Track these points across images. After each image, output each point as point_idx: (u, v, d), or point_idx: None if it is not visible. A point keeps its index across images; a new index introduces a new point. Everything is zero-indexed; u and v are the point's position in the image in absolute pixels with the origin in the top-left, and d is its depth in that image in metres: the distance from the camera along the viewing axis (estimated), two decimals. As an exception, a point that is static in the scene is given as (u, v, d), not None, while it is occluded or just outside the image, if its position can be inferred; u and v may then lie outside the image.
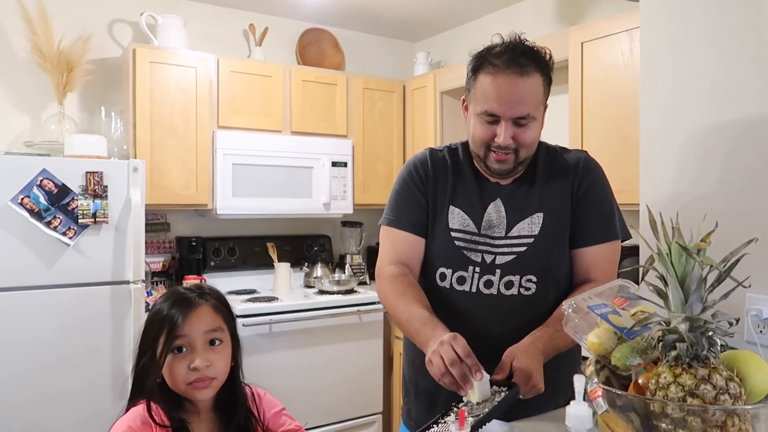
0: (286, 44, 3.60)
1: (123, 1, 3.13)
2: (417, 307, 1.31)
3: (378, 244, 1.60)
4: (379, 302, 3.06)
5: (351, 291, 3.22)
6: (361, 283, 3.43)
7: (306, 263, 3.46)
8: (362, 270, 3.53)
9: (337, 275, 3.40)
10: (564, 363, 1.39)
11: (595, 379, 0.91)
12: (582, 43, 2.45)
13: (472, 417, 1.05)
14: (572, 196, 1.40)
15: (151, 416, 1.08)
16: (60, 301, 2.33)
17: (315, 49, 3.66)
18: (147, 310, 2.65)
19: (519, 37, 1.32)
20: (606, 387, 0.86)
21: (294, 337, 2.89)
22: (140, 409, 1.11)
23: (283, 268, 3.22)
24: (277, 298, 3.02)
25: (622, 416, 0.85)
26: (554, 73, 2.89)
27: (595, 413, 0.86)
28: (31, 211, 2.28)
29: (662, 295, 0.89)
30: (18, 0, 2.66)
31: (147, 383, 1.12)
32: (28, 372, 2.26)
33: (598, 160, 1.49)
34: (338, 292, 3.17)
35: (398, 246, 1.45)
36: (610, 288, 1.03)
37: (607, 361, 0.93)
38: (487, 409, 1.06)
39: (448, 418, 1.12)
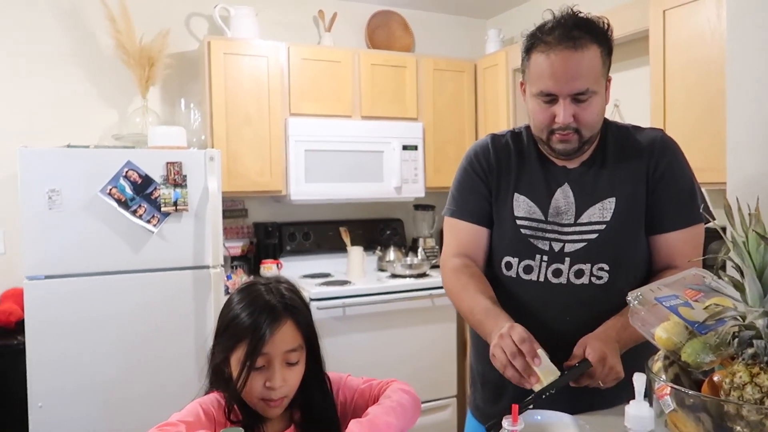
0: (356, 28, 3.60)
1: (198, -5, 3.24)
2: (480, 299, 1.29)
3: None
4: (451, 286, 3.06)
5: (423, 275, 3.21)
6: (434, 267, 3.41)
7: (379, 247, 3.49)
8: (435, 253, 3.51)
9: (409, 259, 3.41)
10: (641, 354, 1.32)
11: (663, 376, 0.85)
12: (664, 11, 2.28)
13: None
14: (647, 179, 1.32)
15: (228, 411, 1.11)
16: (146, 284, 2.48)
17: (384, 31, 3.64)
18: (227, 293, 2.77)
19: (571, 10, 1.24)
20: (675, 386, 0.80)
21: (367, 320, 2.93)
22: (217, 395, 1.13)
23: (356, 252, 3.26)
24: (351, 282, 3.07)
25: (691, 417, 0.80)
26: (634, 45, 2.73)
27: (662, 412, 0.81)
28: (118, 201, 2.42)
29: (739, 287, 0.82)
30: (102, 0, 2.82)
31: (220, 382, 1.13)
32: (118, 349, 2.43)
33: (683, 138, 1.39)
34: (410, 276, 3.17)
35: (460, 237, 1.43)
36: (683, 278, 0.96)
37: (677, 357, 0.86)
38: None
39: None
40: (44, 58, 2.92)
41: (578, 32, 1.20)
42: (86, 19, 2.99)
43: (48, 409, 2.31)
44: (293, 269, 3.30)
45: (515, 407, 0.79)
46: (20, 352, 2.33)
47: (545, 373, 1.07)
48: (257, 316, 1.09)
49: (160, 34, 2.95)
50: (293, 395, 1.14)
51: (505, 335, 1.12)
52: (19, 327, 2.46)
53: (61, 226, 2.34)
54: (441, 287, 3.04)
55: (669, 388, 0.81)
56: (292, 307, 1.13)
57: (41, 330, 2.31)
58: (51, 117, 2.92)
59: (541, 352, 1.08)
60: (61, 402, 2.33)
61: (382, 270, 3.41)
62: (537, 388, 1.08)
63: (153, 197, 2.48)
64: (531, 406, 1.02)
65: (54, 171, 2.33)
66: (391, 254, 3.41)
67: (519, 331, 1.11)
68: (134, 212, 2.45)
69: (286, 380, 1.10)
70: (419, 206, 3.62)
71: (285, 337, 1.10)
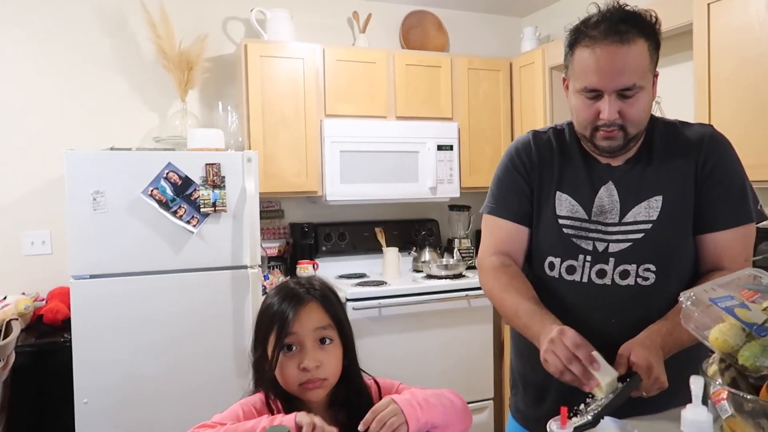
0: (390, 29, 3.60)
1: (235, -1, 3.28)
2: (523, 300, 1.27)
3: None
4: (487, 287, 3.02)
5: (459, 275, 3.19)
6: (470, 268, 3.39)
7: (414, 248, 3.48)
8: (471, 254, 3.48)
9: (445, 260, 3.39)
10: (691, 358, 1.28)
11: (719, 380, 0.82)
12: (708, 4, 2.22)
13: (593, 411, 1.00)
14: (696, 176, 1.27)
15: (269, 409, 1.11)
16: (186, 284, 2.52)
17: (418, 31, 3.63)
18: (264, 293, 2.80)
19: (618, 3, 1.21)
20: (732, 390, 0.78)
21: (403, 320, 2.92)
22: (261, 396, 1.14)
23: (391, 252, 3.26)
24: (386, 282, 3.06)
25: (750, 422, 0.77)
26: (676, 40, 2.67)
27: (717, 417, 0.78)
28: (159, 202, 2.47)
29: (801, 287, 0.78)
30: (143, 6, 2.88)
31: (263, 378, 1.14)
32: (160, 347, 2.48)
33: (730, 133, 1.33)
34: (446, 277, 3.15)
35: (499, 235, 1.41)
36: (737, 278, 0.92)
37: (734, 360, 0.83)
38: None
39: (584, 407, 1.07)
40: (90, 64, 3.00)
41: (625, 26, 1.17)
42: (129, 25, 3.06)
43: (92, 405, 2.37)
44: (329, 270, 3.32)
45: (564, 409, 0.77)
46: (67, 349, 2.40)
47: (604, 376, 1.05)
48: (282, 302, 1.14)
49: (198, 38, 3.00)
50: (334, 381, 1.14)
51: (557, 340, 1.09)
52: (65, 325, 2.53)
53: (105, 226, 2.40)
54: (478, 288, 3.03)
55: (725, 393, 0.78)
56: (317, 290, 1.17)
57: (86, 328, 2.37)
58: (95, 120, 3.00)
59: (596, 355, 1.05)
60: (105, 398, 2.39)
61: (417, 271, 3.40)
62: (596, 392, 1.05)
63: (193, 198, 2.52)
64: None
65: (98, 173, 2.40)
66: (427, 255, 3.40)
67: (571, 335, 1.09)
68: (174, 213, 2.50)
69: (320, 360, 1.11)
70: (454, 207, 3.60)
71: (311, 316, 1.13)
